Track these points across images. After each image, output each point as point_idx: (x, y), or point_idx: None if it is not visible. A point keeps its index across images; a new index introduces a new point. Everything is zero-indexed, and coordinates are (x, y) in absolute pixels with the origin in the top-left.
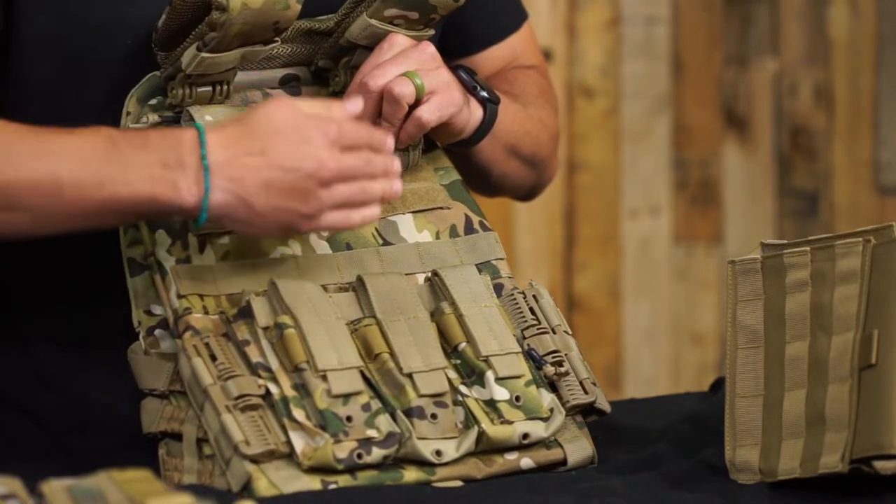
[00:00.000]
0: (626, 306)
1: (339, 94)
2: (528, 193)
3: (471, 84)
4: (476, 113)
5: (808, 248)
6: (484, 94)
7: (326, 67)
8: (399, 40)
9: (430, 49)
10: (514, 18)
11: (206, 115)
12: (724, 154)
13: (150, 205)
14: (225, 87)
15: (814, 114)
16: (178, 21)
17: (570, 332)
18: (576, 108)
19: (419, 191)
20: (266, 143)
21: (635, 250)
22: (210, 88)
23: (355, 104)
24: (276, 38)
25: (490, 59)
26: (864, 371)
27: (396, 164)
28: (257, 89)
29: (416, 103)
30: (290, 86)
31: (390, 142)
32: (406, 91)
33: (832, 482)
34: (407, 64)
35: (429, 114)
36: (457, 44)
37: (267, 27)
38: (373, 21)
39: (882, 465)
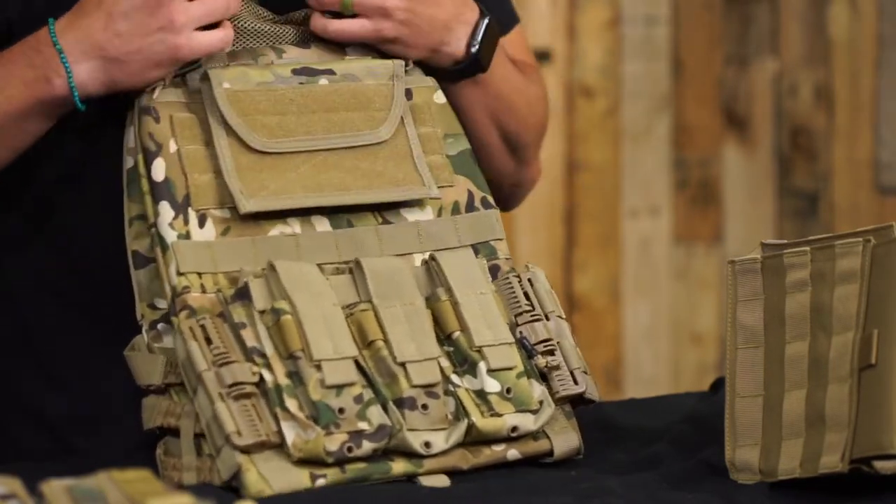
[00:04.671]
0: (626, 306)
1: None
2: (508, 194)
3: None
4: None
5: (807, 248)
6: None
7: None
8: None
9: None
10: (507, 20)
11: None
12: (724, 154)
13: (39, 107)
14: None
15: (814, 114)
16: None
17: (564, 317)
18: (576, 108)
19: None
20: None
21: (635, 250)
22: None
23: None
24: None
25: None
26: (864, 371)
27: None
28: (271, 48)
29: None
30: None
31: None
32: None
33: (832, 482)
34: None
35: None
36: None
37: None
38: None
39: (882, 465)
